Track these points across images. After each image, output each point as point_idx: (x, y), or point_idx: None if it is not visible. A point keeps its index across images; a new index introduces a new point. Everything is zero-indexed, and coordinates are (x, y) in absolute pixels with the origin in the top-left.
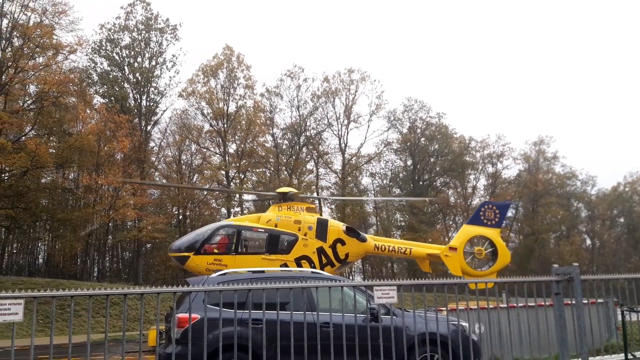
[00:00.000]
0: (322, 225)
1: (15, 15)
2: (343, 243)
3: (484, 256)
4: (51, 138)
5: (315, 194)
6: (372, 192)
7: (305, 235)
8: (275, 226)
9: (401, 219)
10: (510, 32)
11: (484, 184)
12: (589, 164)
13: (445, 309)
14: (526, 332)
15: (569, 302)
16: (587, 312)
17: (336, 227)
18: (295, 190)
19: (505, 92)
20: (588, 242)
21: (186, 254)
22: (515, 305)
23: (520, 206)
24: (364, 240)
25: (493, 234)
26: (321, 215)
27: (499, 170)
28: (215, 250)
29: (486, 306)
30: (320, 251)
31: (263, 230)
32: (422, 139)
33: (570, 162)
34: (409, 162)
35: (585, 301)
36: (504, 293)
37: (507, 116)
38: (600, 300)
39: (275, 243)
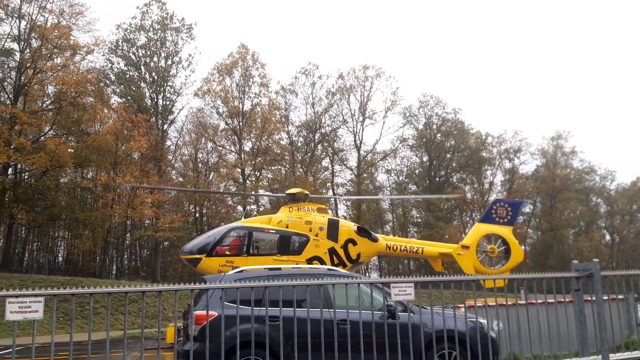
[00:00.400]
0: (333, 226)
1: (33, 17)
2: (354, 243)
3: (497, 254)
4: (70, 138)
5: (330, 191)
6: (388, 188)
7: (316, 235)
8: (287, 227)
9: (417, 215)
10: (527, 25)
11: (501, 179)
12: (607, 158)
13: (463, 305)
14: (545, 329)
15: (589, 298)
16: (607, 309)
17: (347, 227)
18: (306, 191)
19: (522, 86)
20: (607, 237)
21: (198, 256)
22: (534, 302)
23: (538, 202)
24: (375, 240)
25: (506, 232)
26: (337, 213)
27: (516, 166)
28: (227, 252)
29: (505, 303)
30: (332, 251)
31: (274, 232)
32: (438, 134)
33: (589, 157)
34: (425, 159)
35: (605, 297)
36: (522, 290)
37: (524, 111)
38: (620, 297)
39: (286, 244)
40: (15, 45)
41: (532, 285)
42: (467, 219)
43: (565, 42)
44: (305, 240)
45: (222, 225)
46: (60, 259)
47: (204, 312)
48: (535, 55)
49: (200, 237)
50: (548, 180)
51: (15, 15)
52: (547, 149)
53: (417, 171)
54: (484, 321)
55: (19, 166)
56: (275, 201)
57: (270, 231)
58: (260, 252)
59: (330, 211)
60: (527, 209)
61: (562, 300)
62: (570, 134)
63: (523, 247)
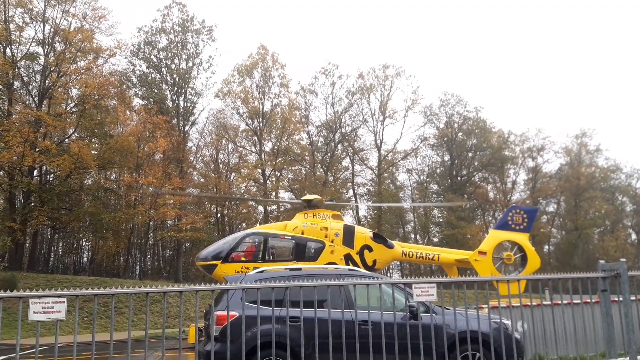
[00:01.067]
0: (348, 232)
1: (57, 21)
2: (370, 249)
3: (513, 261)
4: (93, 140)
5: (351, 191)
6: (409, 188)
7: (332, 242)
8: (302, 233)
9: (439, 215)
10: (549, 21)
11: (524, 178)
12: (633, 156)
13: (486, 306)
14: (571, 330)
15: (616, 299)
16: (635, 309)
17: (363, 233)
18: (320, 197)
19: (545, 84)
20: (634, 236)
21: (213, 262)
22: (559, 302)
23: (562, 201)
24: (391, 246)
25: (522, 238)
26: (358, 212)
27: (540, 165)
28: (243, 259)
29: (529, 304)
30: (348, 258)
31: (290, 238)
32: (460, 133)
33: (614, 155)
34: (447, 158)
35: (632, 298)
36: (547, 290)
37: (547, 109)
38: None
39: (302, 250)
40: (39, 49)
41: (557, 285)
42: (490, 218)
43: (589, 38)
44: (320, 247)
45: (240, 231)
46: (85, 259)
47: (225, 313)
48: (558, 51)
49: (215, 244)
50: (572, 179)
51: (40, 19)
52: (571, 147)
53: (438, 170)
54: (508, 322)
55: (44, 168)
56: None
57: (286, 237)
58: (275, 258)
59: (350, 211)
60: (551, 207)
61: (588, 300)
62: (595, 132)
63: (547, 247)
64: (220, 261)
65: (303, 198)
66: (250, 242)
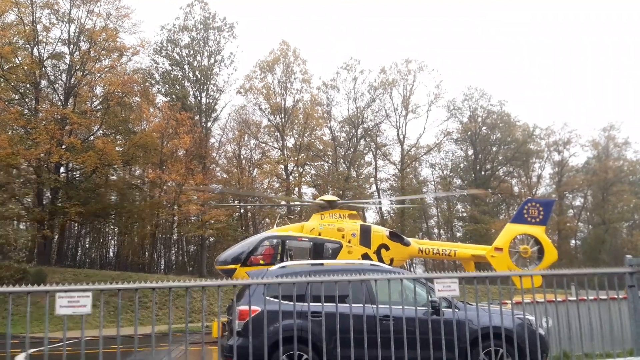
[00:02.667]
0: (365, 232)
1: (82, 21)
2: (387, 248)
3: (530, 254)
4: (117, 137)
5: (374, 187)
6: (432, 182)
7: (349, 242)
8: (319, 234)
9: (462, 209)
10: (574, 12)
11: (549, 172)
12: None
13: (510, 302)
14: (597, 326)
15: None
16: None
17: (380, 232)
18: (337, 198)
19: (572, 76)
20: None
21: (233, 266)
22: (585, 298)
23: (589, 195)
24: (407, 244)
25: (538, 231)
26: (381, 208)
27: (566, 158)
28: (261, 262)
29: (554, 299)
30: (365, 257)
31: (307, 239)
32: (484, 127)
33: None
34: (470, 152)
35: None
36: (573, 285)
37: (574, 102)
38: None
39: (320, 251)
40: (65, 49)
41: (583, 281)
42: (514, 212)
43: (617, 29)
44: (338, 247)
45: (257, 234)
46: (111, 254)
47: (247, 308)
48: (585, 43)
49: (234, 247)
50: (600, 172)
51: (65, 19)
52: (598, 140)
53: (462, 165)
54: (532, 318)
55: (70, 165)
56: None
57: (303, 239)
58: (294, 260)
59: (373, 206)
60: (578, 202)
61: (615, 296)
62: (623, 124)
63: (573, 242)
64: (239, 264)
65: (318, 199)
66: (268, 245)
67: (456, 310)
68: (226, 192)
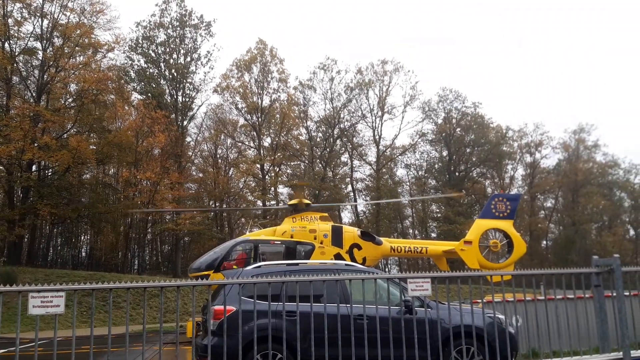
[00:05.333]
0: (337, 232)
1: (55, 16)
2: (359, 248)
3: (500, 248)
4: (91, 135)
5: (350, 187)
6: (407, 183)
7: (321, 243)
8: (291, 237)
9: (437, 210)
10: (546, 15)
11: (521, 174)
12: (632, 152)
13: (481, 301)
14: (565, 325)
15: (610, 294)
16: (629, 305)
17: (351, 232)
18: (306, 201)
19: (543, 79)
20: (632, 232)
21: (206, 272)
22: (553, 297)
23: (560, 196)
24: (379, 243)
25: (506, 225)
26: (357, 208)
27: (537, 160)
28: (235, 266)
29: (523, 298)
30: (338, 257)
31: (280, 242)
32: (458, 129)
33: (613, 150)
34: (445, 153)
35: (627, 293)
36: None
37: (546, 104)
38: None
39: (292, 253)
40: (38, 44)
41: (551, 280)
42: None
43: (588, 33)
44: (310, 249)
45: (229, 240)
46: (83, 254)
47: (222, 307)
48: (556, 46)
49: (207, 254)
50: (570, 174)
51: (38, 14)
52: (569, 142)
53: (436, 166)
54: (502, 317)
55: (42, 163)
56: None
57: (276, 242)
58: None
59: (349, 207)
60: (549, 203)
61: (582, 296)
62: (594, 127)
63: (544, 242)
64: (212, 271)
65: (288, 203)
66: (241, 250)
67: (429, 309)
68: (198, 210)
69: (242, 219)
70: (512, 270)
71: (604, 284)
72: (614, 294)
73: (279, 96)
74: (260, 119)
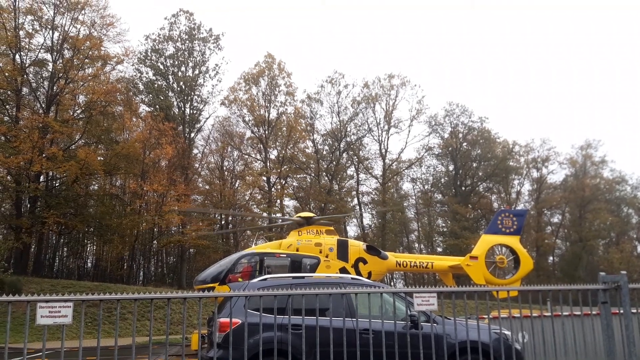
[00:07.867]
0: (342, 246)
1: (66, 28)
2: (365, 262)
3: (506, 264)
4: (99, 146)
5: (355, 200)
6: (413, 197)
7: (326, 257)
8: (297, 250)
9: (443, 225)
10: (556, 32)
11: (528, 189)
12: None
13: (487, 317)
14: (572, 342)
15: (617, 311)
16: (636, 322)
17: (357, 246)
18: (313, 214)
19: (551, 94)
20: (639, 249)
21: (212, 285)
22: (560, 313)
23: (567, 212)
24: (385, 257)
25: (513, 241)
26: (362, 221)
27: (544, 175)
28: (240, 279)
29: (530, 314)
30: (343, 271)
31: (285, 256)
32: (464, 143)
33: (620, 166)
34: (451, 167)
35: (634, 311)
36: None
37: (553, 120)
38: None
39: (298, 267)
40: (48, 56)
41: (558, 296)
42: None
43: (596, 49)
44: (316, 262)
45: (234, 253)
46: (89, 264)
47: (228, 320)
48: (565, 62)
49: (212, 267)
50: (577, 190)
51: (49, 26)
52: (576, 158)
53: (442, 180)
54: (508, 332)
55: (50, 174)
56: (301, 209)
57: (281, 255)
58: None
59: (355, 220)
60: (556, 219)
61: (589, 312)
62: (601, 143)
63: (551, 258)
64: (217, 283)
65: (295, 216)
66: (246, 263)
67: (434, 324)
68: (208, 211)
69: (248, 232)
70: (518, 286)
71: (611, 300)
72: (621, 311)
73: (286, 109)
74: (266, 132)
